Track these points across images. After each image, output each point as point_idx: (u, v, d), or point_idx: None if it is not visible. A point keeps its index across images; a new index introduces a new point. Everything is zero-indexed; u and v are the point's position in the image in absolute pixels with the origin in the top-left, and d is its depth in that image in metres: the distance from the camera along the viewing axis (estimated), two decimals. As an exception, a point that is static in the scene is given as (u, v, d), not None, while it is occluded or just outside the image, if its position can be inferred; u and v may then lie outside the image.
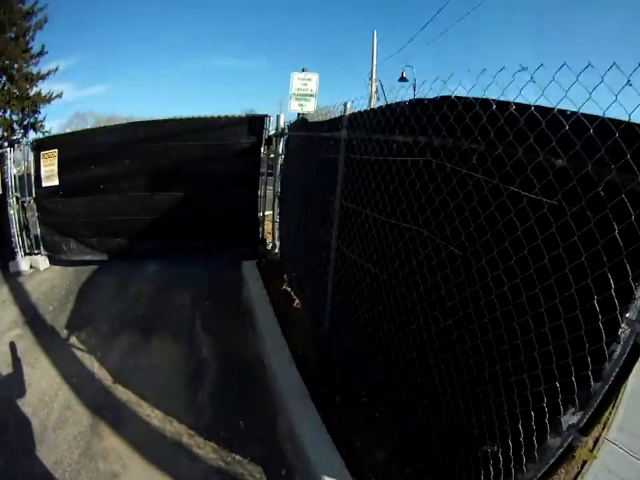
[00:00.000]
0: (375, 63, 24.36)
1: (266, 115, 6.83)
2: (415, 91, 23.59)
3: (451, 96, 2.39)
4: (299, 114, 8.56)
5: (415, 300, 2.75)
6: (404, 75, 23.82)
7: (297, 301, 5.42)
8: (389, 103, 3.27)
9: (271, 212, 7.29)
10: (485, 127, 2.16)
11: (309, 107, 8.75)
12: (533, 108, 1.89)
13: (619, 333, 1.64)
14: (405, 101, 2.89)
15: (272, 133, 6.76)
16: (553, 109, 1.81)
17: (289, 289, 5.74)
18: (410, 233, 2.76)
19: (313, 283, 4.72)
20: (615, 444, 3.23)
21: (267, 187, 7.13)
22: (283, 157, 6.65)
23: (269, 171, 7.13)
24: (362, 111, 3.49)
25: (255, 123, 6.76)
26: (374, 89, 24.44)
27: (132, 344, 4.90)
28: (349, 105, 3.76)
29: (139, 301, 5.85)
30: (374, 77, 24.39)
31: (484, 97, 2.20)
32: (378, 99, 24.87)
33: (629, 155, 1.51)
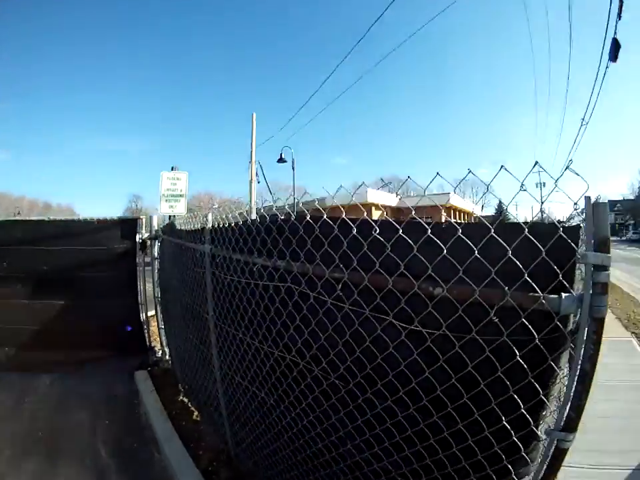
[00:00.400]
0: (254, 145, 24.79)
1: (138, 218, 6.50)
2: (293, 171, 25.07)
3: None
4: (169, 216, 8.39)
5: (297, 419, 2.69)
6: (282, 156, 24.47)
7: (196, 413, 5.05)
8: (251, 218, 3.07)
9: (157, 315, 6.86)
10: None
11: (180, 208, 8.54)
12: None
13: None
14: (260, 219, 2.82)
15: (146, 235, 6.34)
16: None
17: (186, 400, 5.33)
18: (284, 360, 2.66)
19: (207, 398, 4.34)
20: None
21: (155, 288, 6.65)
22: (158, 260, 6.25)
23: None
24: (223, 226, 3.28)
25: (128, 225, 6.35)
26: (254, 172, 24.74)
27: (38, 473, 4.27)
28: (210, 217, 3.55)
29: (36, 420, 5.22)
30: (253, 159, 24.76)
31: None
32: (258, 182, 25.24)
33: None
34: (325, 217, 2.40)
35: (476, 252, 1.68)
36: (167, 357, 6.40)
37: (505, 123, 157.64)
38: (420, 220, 1.90)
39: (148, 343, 6.65)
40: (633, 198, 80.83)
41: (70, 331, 6.28)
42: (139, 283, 6.44)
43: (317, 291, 2.29)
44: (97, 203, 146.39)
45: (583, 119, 19.34)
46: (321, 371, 2.40)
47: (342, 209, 2.48)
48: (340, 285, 2.17)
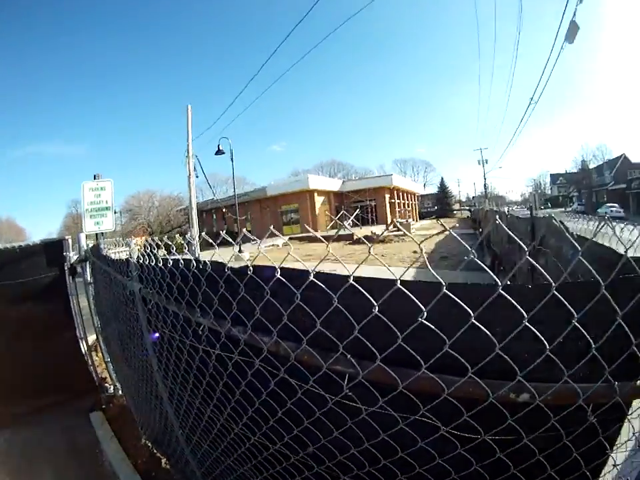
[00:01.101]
0: (190, 139, 23.63)
1: (63, 239, 5.44)
2: (232, 163, 24.13)
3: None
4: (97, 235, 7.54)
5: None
6: (220, 148, 23.47)
7: (164, 460, 4.33)
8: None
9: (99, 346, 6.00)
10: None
11: (107, 224, 7.51)
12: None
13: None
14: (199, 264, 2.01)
15: (75, 259, 5.37)
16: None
17: (150, 444, 4.61)
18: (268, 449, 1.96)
19: (174, 452, 3.58)
20: None
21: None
22: (92, 286, 5.31)
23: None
24: (149, 263, 2.38)
25: (53, 249, 5.34)
26: (192, 167, 23.62)
27: None
28: (134, 246, 2.81)
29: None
30: (190, 153, 23.61)
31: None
32: (197, 176, 24.14)
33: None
34: (311, 275, 1.55)
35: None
36: (120, 392, 5.58)
37: (446, 101, 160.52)
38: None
39: (96, 380, 5.78)
40: (576, 171, 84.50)
41: (8, 380, 5.28)
42: (75, 316, 5.50)
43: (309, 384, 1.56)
44: (38, 212, 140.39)
45: (532, 99, 19.64)
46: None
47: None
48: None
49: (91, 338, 5.97)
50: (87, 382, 5.65)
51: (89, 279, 5.32)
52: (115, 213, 7.90)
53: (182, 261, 2.03)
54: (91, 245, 5.37)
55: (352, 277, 1.34)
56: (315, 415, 1.58)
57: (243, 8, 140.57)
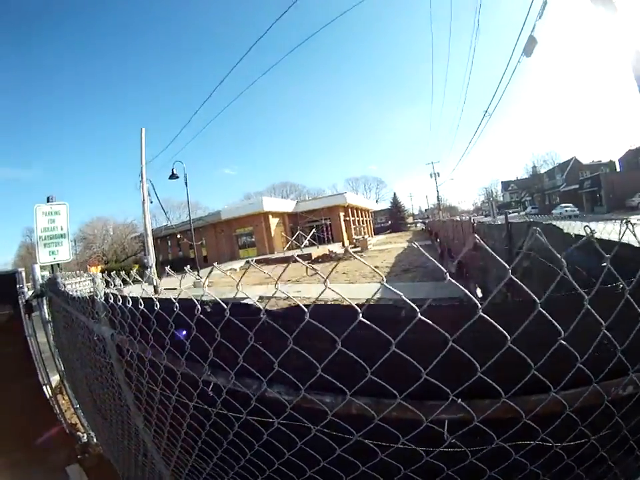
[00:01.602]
0: (144, 162, 22.92)
1: (16, 271, 4.77)
2: (187, 187, 23.58)
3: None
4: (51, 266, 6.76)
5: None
6: (174, 172, 22.91)
7: None
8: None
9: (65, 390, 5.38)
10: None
11: (63, 254, 6.78)
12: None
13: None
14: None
15: (30, 294, 4.73)
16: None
17: None
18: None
19: None
20: None
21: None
22: (51, 324, 4.74)
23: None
24: (126, 305, 1.81)
25: (5, 283, 4.67)
26: (146, 193, 22.93)
27: None
28: (99, 281, 2.36)
29: None
30: (144, 178, 22.91)
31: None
32: (151, 202, 23.45)
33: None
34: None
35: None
36: (95, 441, 4.88)
37: (396, 119, 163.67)
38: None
39: (67, 428, 5.10)
40: (527, 177, 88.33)
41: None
42: (35, 361, 4.82)
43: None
44: None
45: (486, 111, 20.14)
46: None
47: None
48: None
49: (55, 378, 5.32)
50: (58, 432, 4.98)
51: (46, 316, 4.74)
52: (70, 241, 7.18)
53: (177, 302, 1.52)
54: (47, 278, 4.83)
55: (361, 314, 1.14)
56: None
57: (196, 31, 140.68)
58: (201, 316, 1.42)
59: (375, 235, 64.78)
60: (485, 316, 1.02)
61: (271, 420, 1.36)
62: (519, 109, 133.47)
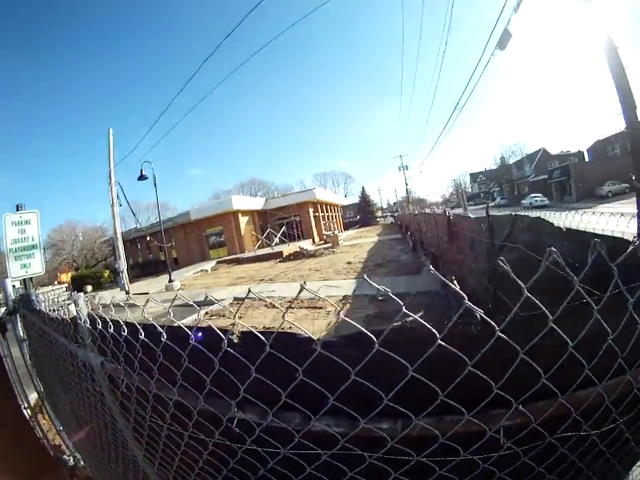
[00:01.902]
0: (112, 164, 22.40)
1: None
2: (156, 188, 23.11)
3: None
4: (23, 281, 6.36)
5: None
6: (143, 173, 22.47)
7: None
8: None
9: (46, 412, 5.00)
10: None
11: (36, 267, 6.31)
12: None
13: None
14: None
15: (2, 311, 4.48)
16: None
17: None
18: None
19: None
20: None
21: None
22: (27, 343, 4.47)
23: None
24: (121, 333, 1.60)
25: None
26: (115, 195, 22.46)
27: None
28: (82, 302, 2.07)
29: None
30: (112, 181, 22.42)
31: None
32: (120, 205, 22.99)
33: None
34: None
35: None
36: (83, 463, 4.56)
37: (364, 114, 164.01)
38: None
39: (51, 451, 4.75)
40: (496, 168, 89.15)
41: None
42: (13, 383, 4.56)
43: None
44: None
45: (457, 104, 20.36)
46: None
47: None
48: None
49: (33, 397, 5.00)
50: (41, 457, 4.65)
51: (21, 334, 4.48)
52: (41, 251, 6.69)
53: (192, 334, 1.36)
54: (20, 293, 4.58)
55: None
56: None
57: (162, 26, 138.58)
58: (229, 349, 1.26)
59: (344, 229, 64.71)
60: (503, 336, 1.01)
61: (316, 452, 1.26)
62: (488, 101, 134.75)
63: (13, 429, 4.51)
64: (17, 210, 6.50)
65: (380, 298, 10.42)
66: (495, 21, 13.19)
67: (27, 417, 4.67)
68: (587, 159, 64.95)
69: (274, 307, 11.90)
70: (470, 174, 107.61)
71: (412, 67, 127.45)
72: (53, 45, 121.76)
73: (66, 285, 25.71)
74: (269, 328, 8.84)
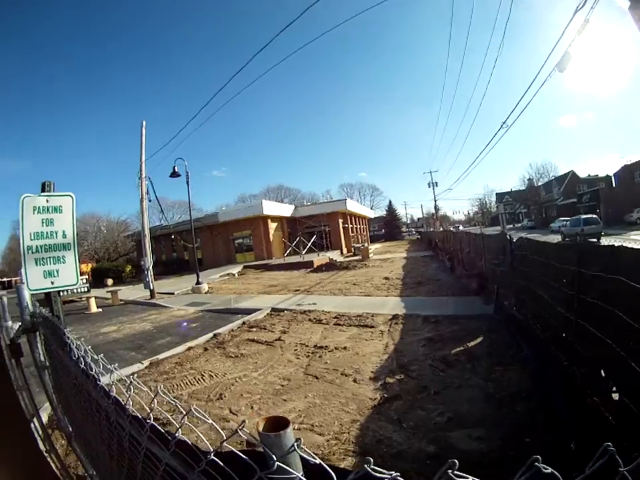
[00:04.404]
0: (143, 158, 21.36)
1: None
2: (188, 186, 21.99)
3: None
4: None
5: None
6: (176, 170, 21.39)
7: None
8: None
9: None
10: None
11: (68, 276, 4.40)
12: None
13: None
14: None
15: (16, 329, 3.13)
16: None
17: None
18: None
19: None
20: None
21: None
22: (49, 371, 3.24)
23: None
24: None
25: None
26: (144, 190, 21.40)
27: None
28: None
29: None
30: (143, 175, 21.38)
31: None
32: (149, 200, 21.94)
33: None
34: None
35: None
36: None
37: (391, 127, 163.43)
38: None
39: None
40: (523, 189, 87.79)
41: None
42: (34, 428, 3.32)
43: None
44: None
45: (504, 122, 19.22)
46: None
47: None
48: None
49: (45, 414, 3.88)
50: None
51: (42, 358, 3.23)
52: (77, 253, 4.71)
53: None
54: (39, 310, 3.24)
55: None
56: None
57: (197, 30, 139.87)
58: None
59: (371, 243, 63.39)
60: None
61: None
62: (525, 119, 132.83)
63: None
64: (43, 190, 4.53)
65: (432, 320, 9.59)
66: (555, 41, 12.74)
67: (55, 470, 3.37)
68: (614, 184, 63.20)
69: (320, 322, 10.81)
70: (496, 194, 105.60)
71: (448, 82, 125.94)
72: (87, 34, 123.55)
73: (86, 276, 24.62)
74: (320, 347, 8.28)
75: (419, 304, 11.87)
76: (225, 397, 6.11)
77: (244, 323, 11.53)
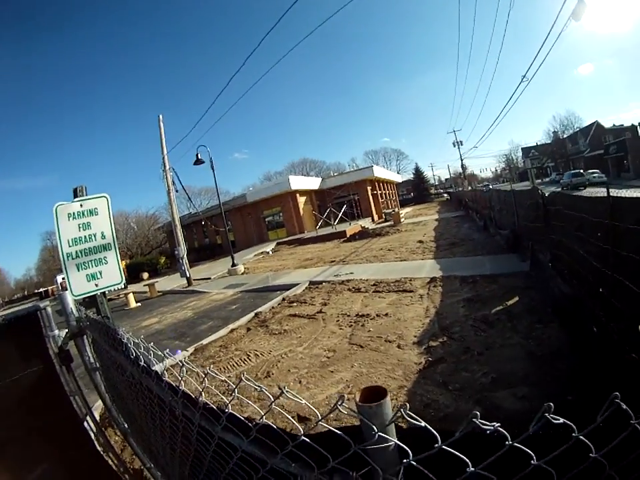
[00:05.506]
0: (165, 150, 21.47)
1: (39, 309, 3.07)
2: (213, 172, 22.08)
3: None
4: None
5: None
6: (199, 157, 21.46)
7: None
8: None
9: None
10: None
11: (112, 276, 4.40)
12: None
13: None
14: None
15: (63, 336, 3.14)
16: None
17: None
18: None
19: None
20: None
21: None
22: (100, 372, 3.29)
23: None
24: None
25: (22, 329, 3.04)
26: (170, 181, 21.55)
27: None
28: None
29: None
30: (167, 167, 21.52)
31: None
32: (177, 191, 22.10)
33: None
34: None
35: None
36: None
37: (408, 88, 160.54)
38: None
39: None
40: (549, 142, 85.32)
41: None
42: (88, 426, 3.36)
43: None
44: (13, 248, 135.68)
45: (524, 76, 18.61)
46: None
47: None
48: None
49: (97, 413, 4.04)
50: None
51: (92, 360, 3.28)
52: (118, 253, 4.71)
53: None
54: (84, 312, 3.23)
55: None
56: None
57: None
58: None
59: (401, 207, 62.84)
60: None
61: None
62: (544, 70, 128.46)
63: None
64: (75, 196, 4.53)
65: (470, 280, 9.59)
66: None
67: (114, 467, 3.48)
68: (640, 133, 60.82)
69: (359, 290, 10.81)
70: (522, 148, 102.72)
71: (467, 36, 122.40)
72: (102, 31, 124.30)
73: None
74: (362, 315, 8.33)
75: (456, 265, 11.83)
76: (272, 374, 6.20)
77: (284, 299, 11.60)
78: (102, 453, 3.50)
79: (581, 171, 50.00)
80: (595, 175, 46.53)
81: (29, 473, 2.94)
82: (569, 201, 6.51)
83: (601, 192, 4.81)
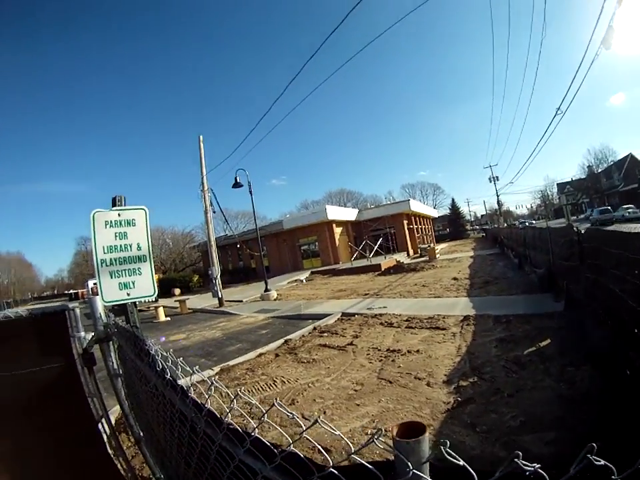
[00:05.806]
0: (204, 171, 21.92)
1: (66, 309, 3.12)
2: (251, 195, 22.33)
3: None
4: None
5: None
6: (238, 180, 21.74)
7: None
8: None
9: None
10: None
11: (145, 287, 4.31)
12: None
13: None
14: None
15: (89, 338, 3.15)
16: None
17: None
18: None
19: None
20: None
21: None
22: (122, 378, 3.25)
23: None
24: None
25: (49, 326, 3.07)
26: (208, 202, 21.90)
27: None
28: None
29: None
30: (205, 187, 21.89)
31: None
32: (214, 212, 22.43)
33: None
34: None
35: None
36: None
37: (444, 123, 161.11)
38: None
39: None
40: (583, 177, 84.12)
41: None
42: (104, 433, 3.34)
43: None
44: (47, 248, 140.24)
45: (559, 108, 18.26)
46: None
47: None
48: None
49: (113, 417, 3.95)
50: None
51: (115, 366, 3.24)
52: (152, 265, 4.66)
53: None
54: (113, 319, 3.24)
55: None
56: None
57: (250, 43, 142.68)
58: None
59: (436, 243, 62.31)
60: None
61: None
62: (578, 102, 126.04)
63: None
64: (114, 205, 4.58)
65: (504, 320, 9.30)
66: (596, 17, 12.07)
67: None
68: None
69: (391, 325, 10.58)
70: (557, 184, 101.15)
71: (498, 74, 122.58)
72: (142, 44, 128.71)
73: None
74: (393, 350, 8.08)
75: (489, 304, 11.56)
76: (297, 402, 6.07)
77: (315, 329, 11.44)
78: (112, 456, 3.48)
79: (609, 207, 49.38)
80: (629, 210, 44.42)
81: (37, 465, 3.00)
82: (604, 237, 6.33)
83: (631, 227, 4.66)
